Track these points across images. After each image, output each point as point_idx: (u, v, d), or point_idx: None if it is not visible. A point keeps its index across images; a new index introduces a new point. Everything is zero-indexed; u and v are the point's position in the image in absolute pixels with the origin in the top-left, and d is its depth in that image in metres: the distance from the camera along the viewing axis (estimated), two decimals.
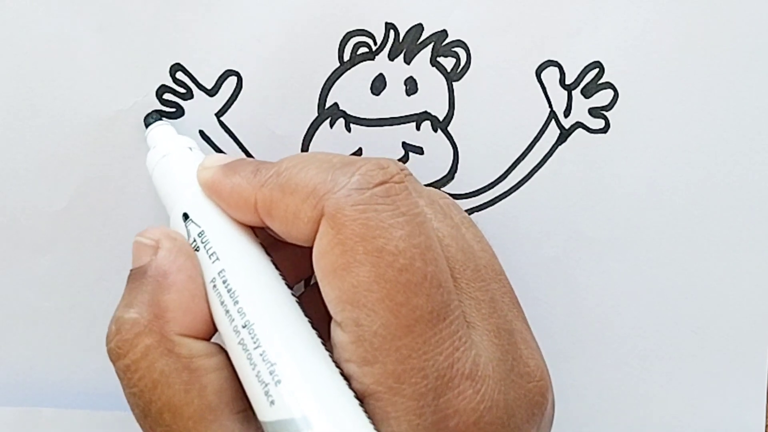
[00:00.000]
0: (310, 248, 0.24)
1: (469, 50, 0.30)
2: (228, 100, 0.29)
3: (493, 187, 0.31)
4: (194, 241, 0.24)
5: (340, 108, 0.30)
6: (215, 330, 0.23)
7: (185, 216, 0.24)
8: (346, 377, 0.21)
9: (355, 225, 0.21)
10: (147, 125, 0.29)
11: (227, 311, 0.22)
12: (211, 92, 0.29)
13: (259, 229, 0.25)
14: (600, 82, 0.30)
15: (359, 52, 0.30)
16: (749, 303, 0.32)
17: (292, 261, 0.26)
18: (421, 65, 0.30)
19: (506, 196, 0.31)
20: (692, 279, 0.32)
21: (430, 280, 0.21)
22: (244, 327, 0.21)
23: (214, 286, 0.22)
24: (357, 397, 0.20)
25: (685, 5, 0.30)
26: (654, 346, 0.32)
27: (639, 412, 0.32)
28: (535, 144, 0.30)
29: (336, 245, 0.21)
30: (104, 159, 0.30)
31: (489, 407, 0.21)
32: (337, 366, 0.21)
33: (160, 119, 0.29)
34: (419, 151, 0.30)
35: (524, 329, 0.24)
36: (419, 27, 0.30)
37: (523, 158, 0.31)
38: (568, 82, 0.30)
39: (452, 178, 0.31)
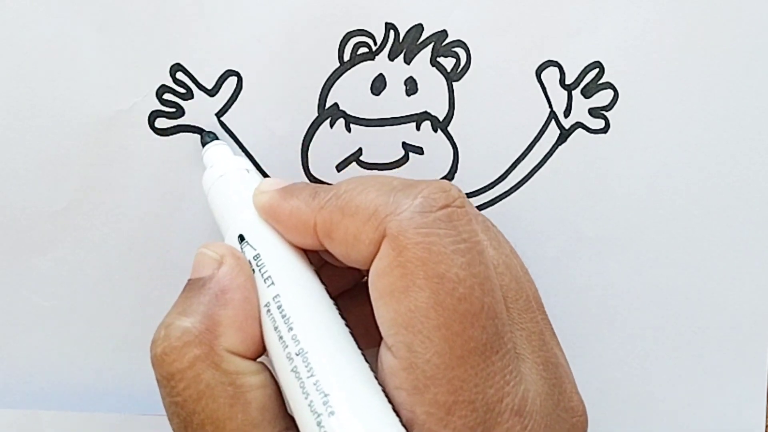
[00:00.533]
0: (347, 268, 0.24)
1: (469, 50, 0.30)
2: (228, 100, 0.29)
3: (493, 187, 0.31)
4: (249, 263, 0.23)
5: (340, 108, 0.30)
6: (262, 351, 0.23)
7: (241, 238, 0.24)
8: (394, 405, 0.21)
9: (417, 248, 0.20)
10: (204, 144, 0.29)
11: (281, 337, 0.22)
12: (211, 92, 0.29)
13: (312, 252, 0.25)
14: (600, 82, 0.30)
15: (359, 52, 0.30)
16: (749, 303, 0.32)
17: (328, 280, 0.26)
18: (421, 65, 0.30)
19: (506, 196, 0.31)
20: (692, 279, 0.32)
21: (486, 311, 0.21)
22: (297, 354, 0.21)
23: (268, 310, 0.22)
24: (405, 426, 0.20)
25: (685, 5, 0.30)
26: (654, 346, 0.32)
27: (639, 412, 0.32)
28: (535, 144, 0.30)
29: (396, 267, 0.21)
30: (104, 159, 0.30)
31: None
32: (385, 393, 0.21)
33: (217, 138, 0.29)
34: (419, 151, 0.30)
35: (565, 363, 0.24)
36: (419, 27, 0.30)
37: (523, 158, 0.31)
38: (568, 82, 0.30)
39: (452, 178, 0.31)
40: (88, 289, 0.30)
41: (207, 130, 0.29)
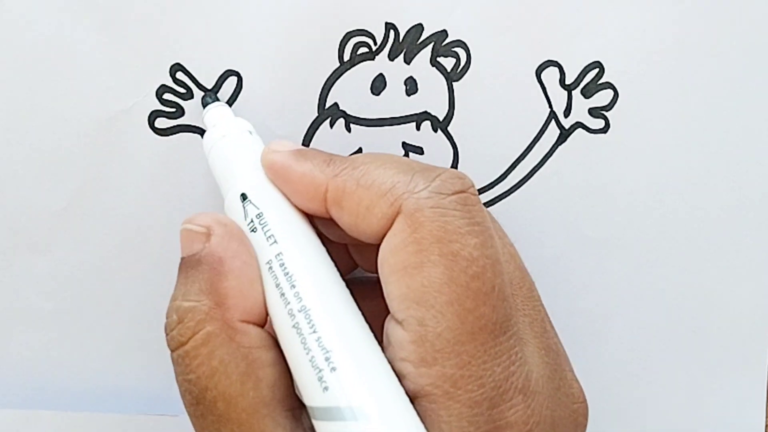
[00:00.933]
0: (344, 246, 0.24)
1: (469, 50, 0.30)
2: (228, 100, 0.29)
3: (493, 187, 0.31)
4: (251, 222, 0.23)
5: (340, 108, 0.30)
6: (267, 315, 0.23)
7: (243, 197, 0.24)
8: (399, 376, 0.21)
9: (433, 226, 0.21)
10: (204, 105, 0.29)
11: (282, 294, 0.22)
12: (212, 92, 0.29)
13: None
14: (600, 82, 0.30)
15: (359, 52, 0.30)
16: (749, 303, 0.32)
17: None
18: (421, 65, 0.30)
19: (506, 196, 0.31)
20: (692, 279, 0.32)
21: (497, 292, 0.21)
22: (300, 311, 0.21)
23: (270, 268, 0.22)
24: (408, 396, 0.21)
25: (685, 5, 0.30)
26: (654, 346, 0.32)
27: (639, 412, 0.32)
28: (535, 144, 0.30)
29: (411, 243, 0.21)
30: (104, 159, 0.30)
31: (537, 422, 0.21)
32: (389, 363, 0.21)
33: (217, 100, 0.29)
34: (419, 151, 0.30)
35: (565, 352, 0.24)
36: (419, 27, 0.30)
37: (523, 158, 0.31)
38: (568, 82, 0.30)
39: None
40: (88, 289, 0.30)
41: (208, 89, 0.29)
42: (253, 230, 0.23)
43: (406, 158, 0.24)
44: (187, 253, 0.23)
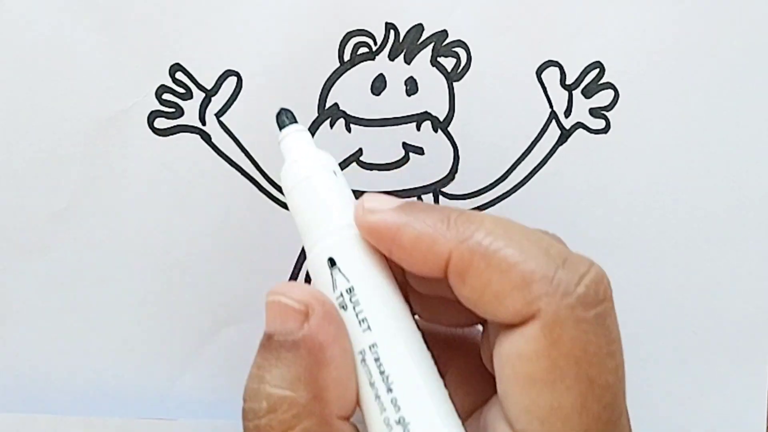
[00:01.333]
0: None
1: (469, 50, 0.30)
2: (228, 100, 0.29)
3: (493, 188, 0.31)
4: (341, 296, 0.21)
5: (340, 108, 0.30)
6: (356, 405, 0.21)
7: (332, 262, 0.21)
8: None
9: (573, 344, 0.19)
10: (281, 126, 0.24)
11: (377, 396, 0.20)
12: (211, 92, 0.29)
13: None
14: (600, 82, 0.30)
15: (359, 52, 0.30)
16: (749, 303, 0.32)
17: None
18: (422, 65, 0.30)
19: (507, 197, 0.31)
20: (692, 279, 0.32)
21: (624, 418, 0.20)
22: (398, 423, 0.19)
23: (363, 359, 0.20)
24: None
25: (685, 5, 0.30)
26: (654, 346, 0.32)
27: (639, 412, 0.32)
28: (535, 144, 0.30)
29: (545, 357, 0.19)
30: (104, 159, 0.29)
31: None
32: None
33: (295, 121, 0.24)
34: (419, 151, 0.30)
35: None
36: (419, 27, 0.30)
37: (524, 158, 0.31)
38: (568, 82, 0.30)
39: (452, 178, 0.31)
40: (88, 289, 0.30)
41: (284, 107, 0.24)
42: (342, 306, 0.20)
43: (539, 235, 0.21)
44: (278, 330, 0.20)
